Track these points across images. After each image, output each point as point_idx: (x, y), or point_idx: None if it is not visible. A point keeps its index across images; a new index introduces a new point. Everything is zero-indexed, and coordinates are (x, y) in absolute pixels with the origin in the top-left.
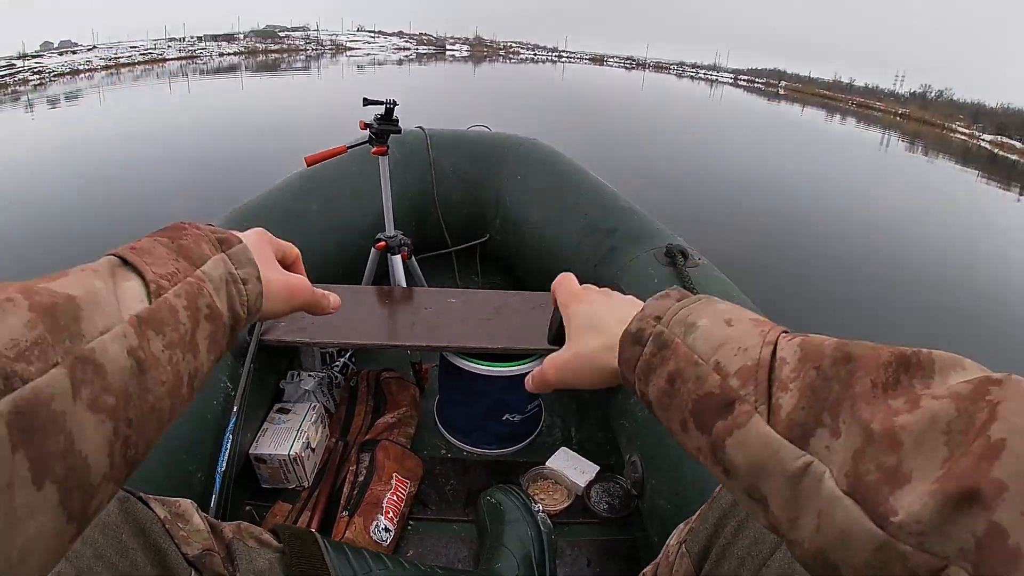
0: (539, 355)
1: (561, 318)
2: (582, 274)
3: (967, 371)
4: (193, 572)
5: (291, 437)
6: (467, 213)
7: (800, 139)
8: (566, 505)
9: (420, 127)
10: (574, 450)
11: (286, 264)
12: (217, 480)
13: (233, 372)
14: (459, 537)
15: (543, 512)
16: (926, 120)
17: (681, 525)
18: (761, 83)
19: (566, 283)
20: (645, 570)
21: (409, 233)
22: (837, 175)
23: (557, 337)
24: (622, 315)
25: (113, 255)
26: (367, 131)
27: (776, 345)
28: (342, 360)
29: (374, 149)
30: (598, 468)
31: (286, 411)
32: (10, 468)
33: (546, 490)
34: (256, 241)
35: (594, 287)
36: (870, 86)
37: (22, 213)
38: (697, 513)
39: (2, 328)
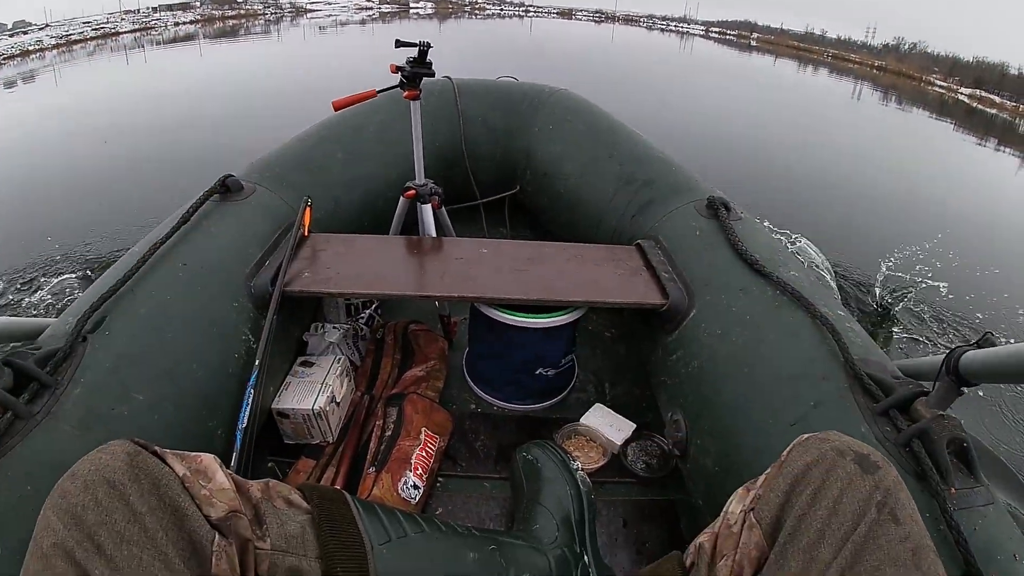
0: (574, 307)
1: None
2: (617, 226)
3: None
4: (217, 536)
5: (315, 391)
6: (496, 165)
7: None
8: (601, 464)
9: (447, 77)
10: (608, 407)
11: None
12: (238, 437)
13: (255, 324)
14: (490, 495)
15: (582, 470)
16: (903, 73)
17: (741, 490)
18: (733, 35)
19: None
20: (700, 540)
21: (437, 185)
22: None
23: None
24: None
25: None
26: (398, 75)
27: None
28: (368, 312)
29: (406, 93)
30: (635, 426)
31: (310, 364)
32: None
33: (580, 448)
34: None
35: None
36: (843, 38)
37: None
38: (763, 478)
39: None
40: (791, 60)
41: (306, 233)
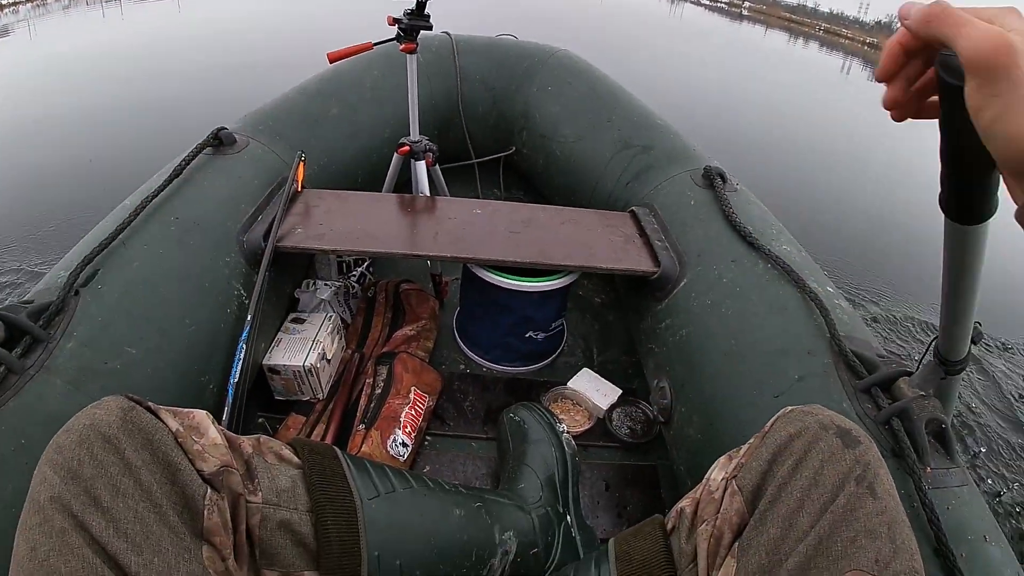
0: (568, 272)
1: None
2: (612, 192)
3: None
4: (209, 490)
5: (306, 347)
6: (493, 124)
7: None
8: (587, 428)
9: (446, 32)
10: (596, 372)
11: None
12: (230, 392)
13: (247, 280)
14: (477, 454)
15: (568, 433)
16: None
17: (723, 459)
18: (724, 2)
19: None
20: (682, 504)
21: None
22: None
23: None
24: None
25: None
26: (395, 27)
27: None
28: (360, 270)
29: (402, 46)
30: (621, 392)
31: (301, 321)
32: None
33: (567, 411)
34: None
35: None
36: (835, 12)
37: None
38: (746, 447)
39: None
40: (782, 32)
41: (299, 188)
